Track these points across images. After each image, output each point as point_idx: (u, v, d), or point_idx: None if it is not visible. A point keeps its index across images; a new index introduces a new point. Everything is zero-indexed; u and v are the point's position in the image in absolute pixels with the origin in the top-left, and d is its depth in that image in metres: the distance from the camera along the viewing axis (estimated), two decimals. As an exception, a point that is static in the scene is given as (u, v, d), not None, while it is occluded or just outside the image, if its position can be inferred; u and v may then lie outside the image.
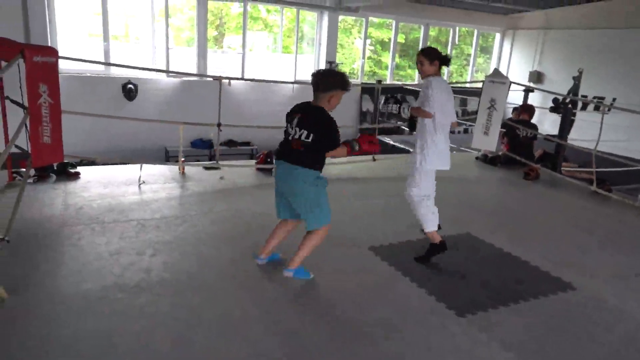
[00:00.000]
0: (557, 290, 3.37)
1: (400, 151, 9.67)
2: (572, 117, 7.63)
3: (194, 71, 10.24)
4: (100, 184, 4.94)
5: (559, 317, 3.05)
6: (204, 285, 3.16)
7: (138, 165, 5.29)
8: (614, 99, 10.85)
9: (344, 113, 11.80)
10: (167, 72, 9.56)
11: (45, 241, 3.62)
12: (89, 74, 9.21)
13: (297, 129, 3.06)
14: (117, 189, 4.85)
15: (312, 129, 3.02)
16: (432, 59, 3.49)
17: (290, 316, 2.87)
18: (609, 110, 8.06)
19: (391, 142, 10.27)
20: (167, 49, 9.89)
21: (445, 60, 3.54)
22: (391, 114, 13.10)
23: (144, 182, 5.06)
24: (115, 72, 9.41)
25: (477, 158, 7.35)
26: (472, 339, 2.75)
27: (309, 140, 3.01)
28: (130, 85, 9.37)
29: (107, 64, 9.24)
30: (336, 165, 6.73)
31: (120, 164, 5.80)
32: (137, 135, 9.51)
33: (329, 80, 3.13)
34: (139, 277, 3.17)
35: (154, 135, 9.64)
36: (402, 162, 7.26)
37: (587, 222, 4.98)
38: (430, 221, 3.60)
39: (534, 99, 10.56)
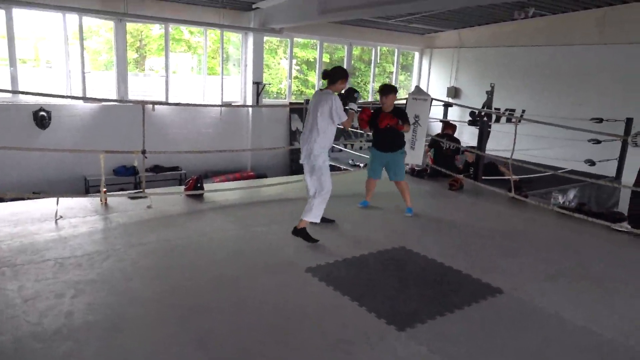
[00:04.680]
0: (488, 295, 3.52)
1: (333, 169, 9.78)
2: (488, 129, 8.14)
3: (114, 96, 9.78)
4: (11, 223, 4.51)
5: (490, 322, 3.17)
6: (134, 324, 2.95)
7: (54, 199, 4.90)
8: (523, 111, 11.75)
9: (274, 133, 11.83)
10: (83, 98, 9.04)
11: (-54, 291, 3.22)
12: (-6, 102, 8.50)
13: None
14: (30, 226, 4.45)
15: None
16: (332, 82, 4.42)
17: (228, 347, 2.75)
18: (519, 121, 8.70)
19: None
20: (83, 73, 9.38)
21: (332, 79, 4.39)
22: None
23: (61, 217, 4.69)
24: (25, 98, 8.74)
25: (405, 172, 7.59)
26: (413, 353, 2.77)
27: None
28: (42, 113, 8.75)
29: (13, 91, 8.59)
30: (268, 187, 6.68)
31: (34, 198, 5.35)
32: (53, 166, 8.89)
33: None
34: (60, 322, 2.89)
35: (71, 165, 9.06)
36: (334, 180, 7.35)
37: (509, 227, 5.27)
38: None
39: (453, 113, 11.19)
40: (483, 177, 7.08)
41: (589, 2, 9.91)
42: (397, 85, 14.78)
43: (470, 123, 9.22)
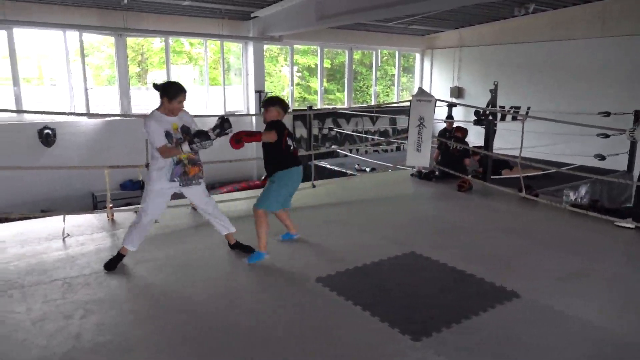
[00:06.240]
0: (504, 300, 3.44)
1: (339, 174, 9.75)
2: (494, 128, 8.08)
3: (117, 110, 9.81)
4: (18, 243, 4.49)
5: (508, 327, 3.09)
6: (144, 344, 2.90)
7: (60, 217, 4.88)
8: (529, 108, 11.65)
9: (278, 141, 11.78)
10: (86, 114, 9.09)
11: (-46, 316, 3.20)
12: (-1, 122, 8.55)
13: (293, 141, 4.18)
14: (37, 245, 4.43)
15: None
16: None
17: (241, 366, 2.70)
18: (526, 119, 8.62)
19: (328, 166, 10.33)
20: (86, 89, 9.43)
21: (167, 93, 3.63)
22: (325, 138, 13.22)
23: (68, 235, 4.66)
24: (29, 117, 8.80)
25: (412, 175, 7.53)
26: (430, 364, 2.70)
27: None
28: (47, 131, 8.80)
29: (17, 111, 8.63)
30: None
31: (40, 217, 5.34)
32: (59, 184, 8.91)
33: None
34: (69, 344, 2.85)
35: (79, 182, 9.07)
36: (341, 186, 7.29)
37: (521, 228, 5.18)
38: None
39: (457, 113, 11.12)
40: (492, 177, 7.00)
41: (590, -4, 9.84)
42: (399, 88, 14.74)
43: (476, 122, 9.15)
